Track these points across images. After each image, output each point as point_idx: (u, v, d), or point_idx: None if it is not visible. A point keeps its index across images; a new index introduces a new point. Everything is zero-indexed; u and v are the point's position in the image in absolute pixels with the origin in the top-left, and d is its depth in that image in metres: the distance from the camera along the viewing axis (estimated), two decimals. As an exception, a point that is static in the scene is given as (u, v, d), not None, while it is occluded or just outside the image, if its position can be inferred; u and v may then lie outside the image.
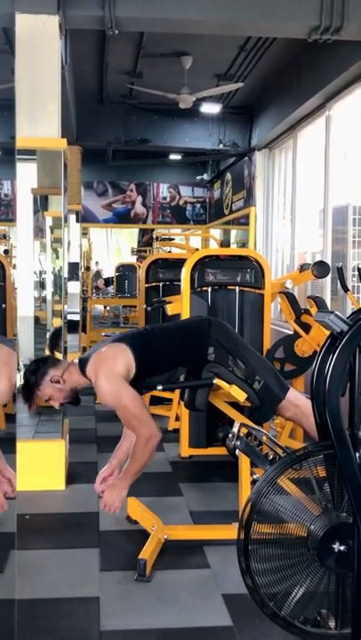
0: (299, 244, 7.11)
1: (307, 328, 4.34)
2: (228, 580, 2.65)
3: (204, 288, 4.28)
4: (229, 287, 4.31)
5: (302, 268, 4.71)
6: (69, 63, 5.86)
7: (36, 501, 3.59)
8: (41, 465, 3.77)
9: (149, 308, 5.34)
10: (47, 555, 2.98)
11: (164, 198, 10.99)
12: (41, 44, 3.83)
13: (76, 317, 8.16)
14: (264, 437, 2.76)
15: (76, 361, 2.91)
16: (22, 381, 2.89)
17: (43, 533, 3.19)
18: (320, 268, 4.49)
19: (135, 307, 9.41)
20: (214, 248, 8.20)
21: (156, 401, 5.17)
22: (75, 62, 6.66)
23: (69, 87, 6.44)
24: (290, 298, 4.39)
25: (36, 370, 2.85)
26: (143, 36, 6.06)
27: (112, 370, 2.76)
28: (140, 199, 10.89)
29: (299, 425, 2.99)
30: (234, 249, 7.28)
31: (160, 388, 2.80)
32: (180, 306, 4.29)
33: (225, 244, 8.74)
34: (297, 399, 2.91)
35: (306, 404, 2.91)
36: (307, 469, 2.10)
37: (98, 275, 16.12)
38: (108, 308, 12.68)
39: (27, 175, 3.80)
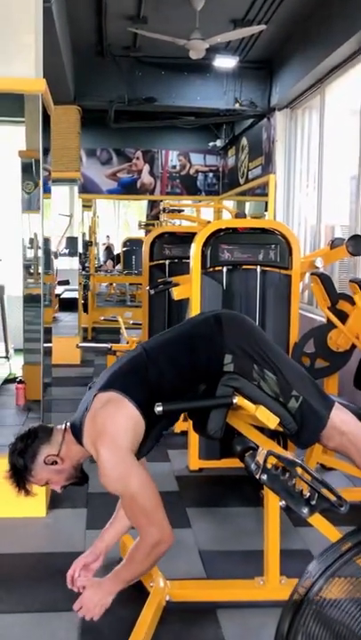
0: (325, 216, 6.29)
1: (343, 317, 3.58)
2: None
3: (218, 268, 3.54)
4: (249, 267, 3.57)
5: (334, 243, 3.96)
6: (59, 2, 5.02)
7: (8, 534, 2.90)
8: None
9: (152, 291, 4.56)
10: (10, 622, 2.27)
11: (174, 167, 10.13)
12: None
13: (75, 295, 7.44)
14: (298, 469, 2.05)
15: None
16: (9, 466, 2.13)
17: (9, 586, 2.49)
18: (357, 244, 3.73)
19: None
20: (231, 219, 7.35)
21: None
22: (69, 7, 5.81)
23: (62, 36, 5.60)
24: (325, 280, 3.61)
25: (24, 451, 2.11)
26: (147, -29, 5.21)
27: (115, 443, 2.02)
28: (147, 168, 10.03)
29: (345, 456, 2.24)
30: (255, 220, 6.43)
31: (159, 409, 2.04)
32: (189, 289, 3.56)
33: (240, 216, 7.88)
34: (343, 423, 2.15)
35: (356, 430, 2.16)
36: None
37: (109, 250, 15.20)
38: (114, 284, 11.89)
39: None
